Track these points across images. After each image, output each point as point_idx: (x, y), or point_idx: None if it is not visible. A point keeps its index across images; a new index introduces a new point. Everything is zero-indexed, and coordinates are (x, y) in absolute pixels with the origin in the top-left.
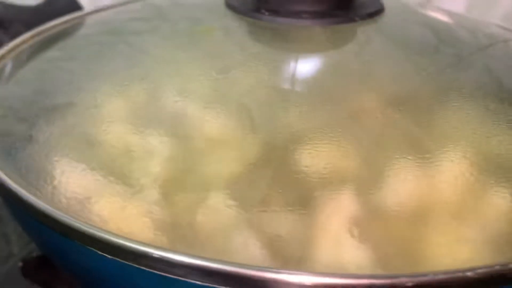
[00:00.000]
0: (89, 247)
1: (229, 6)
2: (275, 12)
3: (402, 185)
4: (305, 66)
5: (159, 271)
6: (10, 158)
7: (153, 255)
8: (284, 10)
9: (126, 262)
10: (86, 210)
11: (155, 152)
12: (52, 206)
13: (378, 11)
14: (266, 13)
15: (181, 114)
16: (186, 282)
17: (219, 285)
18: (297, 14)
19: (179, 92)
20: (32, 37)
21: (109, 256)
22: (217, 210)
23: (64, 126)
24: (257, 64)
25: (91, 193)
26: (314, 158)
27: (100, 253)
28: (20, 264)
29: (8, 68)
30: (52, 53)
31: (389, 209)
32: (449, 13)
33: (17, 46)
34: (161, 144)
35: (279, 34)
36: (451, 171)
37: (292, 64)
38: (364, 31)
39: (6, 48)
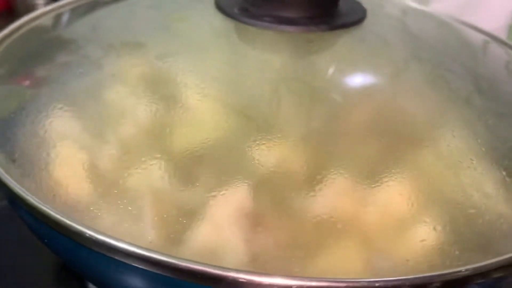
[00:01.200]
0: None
1: (216, 1)
2: (244, 12)
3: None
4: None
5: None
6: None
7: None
8: (253, 12)
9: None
10: (51, 151)
11: (133, 114)
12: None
13: (346, 24)
14: (237, 12)
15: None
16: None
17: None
18: (259, 18)
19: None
20: None
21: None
22: (144, 175)
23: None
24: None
25: (62, 136)
26: (262, 153)
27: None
28: None
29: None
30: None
31: (298, 213)
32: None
33: None
34: (141, 109)
35: (237, 34)
36: (381, 198)
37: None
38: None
39: None
